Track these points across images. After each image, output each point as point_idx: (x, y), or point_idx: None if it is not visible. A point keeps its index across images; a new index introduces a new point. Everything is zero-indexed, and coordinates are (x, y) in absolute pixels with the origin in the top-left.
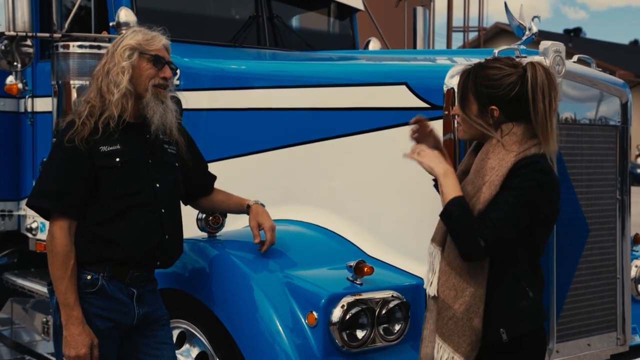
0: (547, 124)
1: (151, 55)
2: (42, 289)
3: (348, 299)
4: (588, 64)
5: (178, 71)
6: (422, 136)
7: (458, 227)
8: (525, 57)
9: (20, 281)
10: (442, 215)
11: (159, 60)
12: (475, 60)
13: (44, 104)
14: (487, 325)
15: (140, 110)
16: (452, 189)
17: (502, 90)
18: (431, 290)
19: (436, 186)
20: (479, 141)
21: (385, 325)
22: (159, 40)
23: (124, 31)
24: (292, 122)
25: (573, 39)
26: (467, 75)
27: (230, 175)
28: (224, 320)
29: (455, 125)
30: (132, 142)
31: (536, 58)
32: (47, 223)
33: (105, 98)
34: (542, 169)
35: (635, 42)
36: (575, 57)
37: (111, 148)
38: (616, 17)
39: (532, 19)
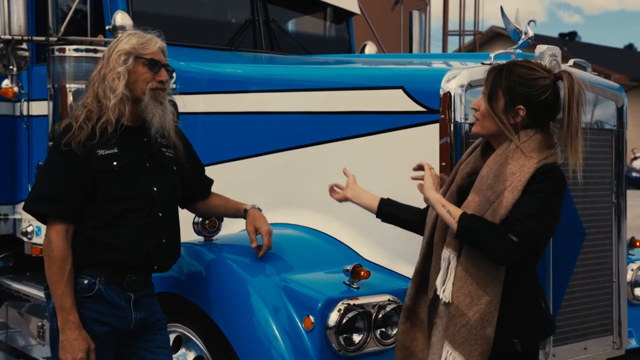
0: (578, 132)
1: (146, 59)
2: (38, 293)
3: (345, 303)
4: (584, 68)
5: (174, 74)
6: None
7: (481, 234)
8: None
9: (16, 285)
10: (458, 233)
11: (155, 64)
12: (471, 64)
13: (39, 108)
14: (500, 334)
15: (139, 114)
16: (456, 209)
17: (535, 91)
18: (445, 296)
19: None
20: (491, 140)
21: (381, 329)
22: (155, 43)
23: (119, 34)
24: (289, 125)
25: (568, 43)
26: (500, 71)
27: (227, 179)
28: (221, 325)
29: (452, 126)
30: (130, 146)
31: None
32: (42, 227)
33: (102, 103)
34: (559, 177)
35: (630, 46)
36: (571, 61)
37: (108, 152)
38: (611, 21)
39: (528, 23)
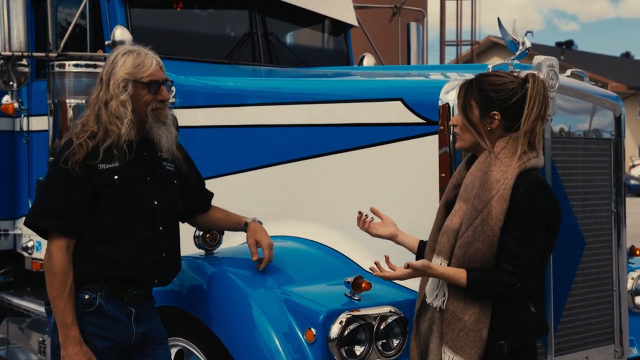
0: (537, 127)
1: (144, 83)
2: (38, 308)
3: (346, 315)
4: (581, 78)
5: (173, 88)
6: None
7: (493, 289)
8: (519, 71)
9: (16, 300)
10: (469, 291)
11: (154, 85)
12: (468, 75)
13: (39, 123)
14: (489, 335)
15: (145, 135)
16: (450, 269)
17: (505, 94)
18: (439, 302)
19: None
20: (476, 152)
21: (383, 341)
22: (150, 63)
23: (114, 53)
24: (289, 138)
25: (565, 52)
26: (469, 85)
27: (227, 192)
28: (222, 338)
29: (451, 137)
30: (131, 160)
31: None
32: (43, 242)
33: (108, 129)
34: (541, 187)
35: (627, 54)
36: (568, 72)
37: (110, 166)
38: (606, 28)
39: (525, 34)
